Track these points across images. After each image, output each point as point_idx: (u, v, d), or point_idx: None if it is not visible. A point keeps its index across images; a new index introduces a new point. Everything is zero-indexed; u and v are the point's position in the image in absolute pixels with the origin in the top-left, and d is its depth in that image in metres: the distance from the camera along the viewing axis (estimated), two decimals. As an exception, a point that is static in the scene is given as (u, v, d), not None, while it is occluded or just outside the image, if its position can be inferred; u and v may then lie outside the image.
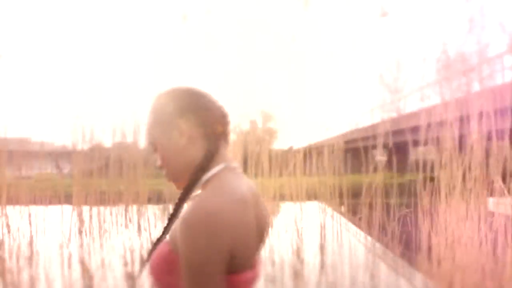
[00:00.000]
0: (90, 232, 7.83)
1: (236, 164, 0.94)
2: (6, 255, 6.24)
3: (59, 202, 8.87)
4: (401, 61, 31.35)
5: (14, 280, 4.80)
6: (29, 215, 7.74)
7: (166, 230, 0.91)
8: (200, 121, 0.89)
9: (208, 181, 0.87)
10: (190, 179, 0.87)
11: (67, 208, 9.07)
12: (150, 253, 0.93)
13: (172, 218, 0.89)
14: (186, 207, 0.88)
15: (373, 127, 18.04)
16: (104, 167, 8.95)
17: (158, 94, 0.94)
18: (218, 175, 0.86)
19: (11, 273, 5.14)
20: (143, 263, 1.01)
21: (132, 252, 6.23)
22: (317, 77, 53.59)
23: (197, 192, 0.90)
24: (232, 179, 0.85)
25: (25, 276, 4.97)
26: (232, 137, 11.94)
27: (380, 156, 21.34)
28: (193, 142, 0.89)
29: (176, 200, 0.90)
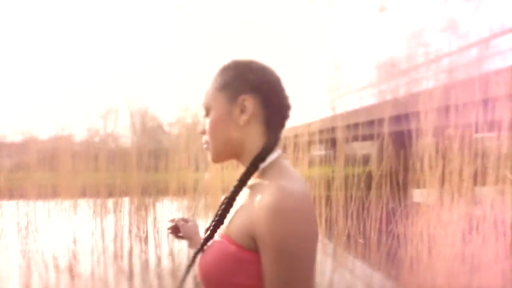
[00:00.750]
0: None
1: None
2: None
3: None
4: (338, 61, 32.52)
5: None
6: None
7: (218, 223, 0.81)
8: (266, 104, 0.81)
9: (267, 168, 0.81)
10: (250, 166, 0.79)
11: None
12: (197, 254, 0.84)
13: (226, 208, 0.80)
14: (249, 195, 0.79)
15: (311, 123, 18.63)
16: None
17: (233, 60, 0.85)
18: (277, 162, 0.81)
19: None
20: (188, 266, 0.89)
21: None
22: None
23: (254, 180, 0.82)
24: (290, 167, 0.81)
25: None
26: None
27: (317, 151, 22.11)
28: (252, 123, 0.82)
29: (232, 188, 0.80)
